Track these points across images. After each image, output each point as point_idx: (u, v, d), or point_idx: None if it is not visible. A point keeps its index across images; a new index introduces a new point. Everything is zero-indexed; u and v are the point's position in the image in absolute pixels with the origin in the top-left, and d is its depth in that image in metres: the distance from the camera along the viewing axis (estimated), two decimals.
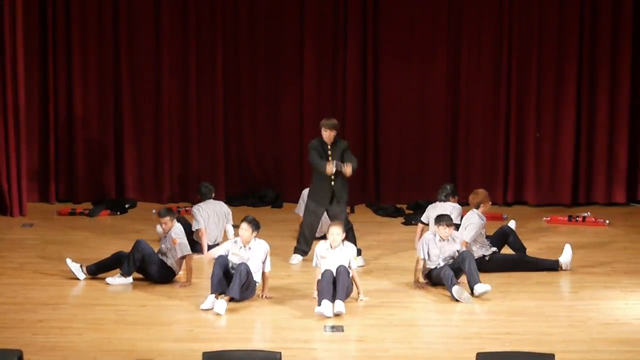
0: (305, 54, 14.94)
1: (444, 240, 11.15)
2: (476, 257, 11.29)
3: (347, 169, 11.83)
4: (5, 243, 12.87)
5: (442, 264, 11.10)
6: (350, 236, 11.96)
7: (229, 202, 14.49)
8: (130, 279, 11.22)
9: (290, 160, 15.05)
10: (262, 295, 10.81)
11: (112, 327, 9.95)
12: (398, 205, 14.88)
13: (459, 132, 15.13)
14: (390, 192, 15.16)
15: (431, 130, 15.09)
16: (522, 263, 11.92)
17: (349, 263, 10.62)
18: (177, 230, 11.26)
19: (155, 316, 10.31)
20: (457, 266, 11.02)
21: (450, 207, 12.27)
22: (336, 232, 10.66)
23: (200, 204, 12.59)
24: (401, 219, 14.36)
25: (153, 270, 11.19)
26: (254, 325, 10.20)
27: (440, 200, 12.50)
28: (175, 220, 11.32)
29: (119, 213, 14.39)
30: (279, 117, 15.21)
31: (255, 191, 15.16)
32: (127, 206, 14.66)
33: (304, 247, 12.25)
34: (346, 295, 10.45)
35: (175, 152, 15.12)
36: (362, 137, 15.08)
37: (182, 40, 14.90)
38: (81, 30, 14.78)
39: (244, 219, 10.83)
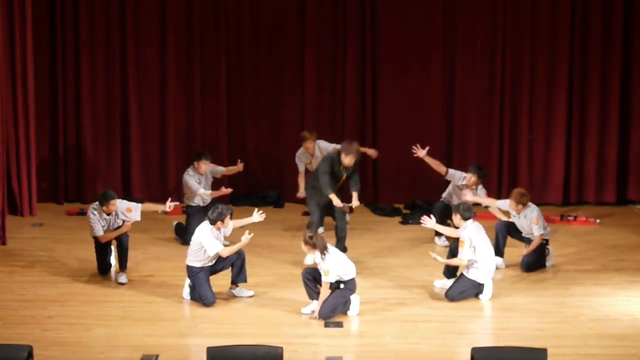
0: (306, 60, 15.05)
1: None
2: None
3: (354, 201, 12.03)
4: (16, 242, 12.93)
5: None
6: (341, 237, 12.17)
7: (233, 202, 14.64)
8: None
9: (291, 162, 14.96)
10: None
11: (119, 323, 10.08)
12: (395, 205, 15.02)
13: (454, 134, 15.23)
14: (388, 192, 15.27)
15: (427, 133, 15.10)
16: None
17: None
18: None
19: (161, 312, 10.43)
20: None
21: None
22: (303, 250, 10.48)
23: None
24: (398, 219, 14.48)
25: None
26: (256, 321, 10.25)
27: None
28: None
29: None
30: (280, 120, 15.31)
31: (258, 191, 15.30)
32: None
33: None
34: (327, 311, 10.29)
35: (180, 154, 15.21)
36: (361, 139, 14.91)
37: (187, 46, 15.00)
38: (89, 47, 14.95)
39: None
